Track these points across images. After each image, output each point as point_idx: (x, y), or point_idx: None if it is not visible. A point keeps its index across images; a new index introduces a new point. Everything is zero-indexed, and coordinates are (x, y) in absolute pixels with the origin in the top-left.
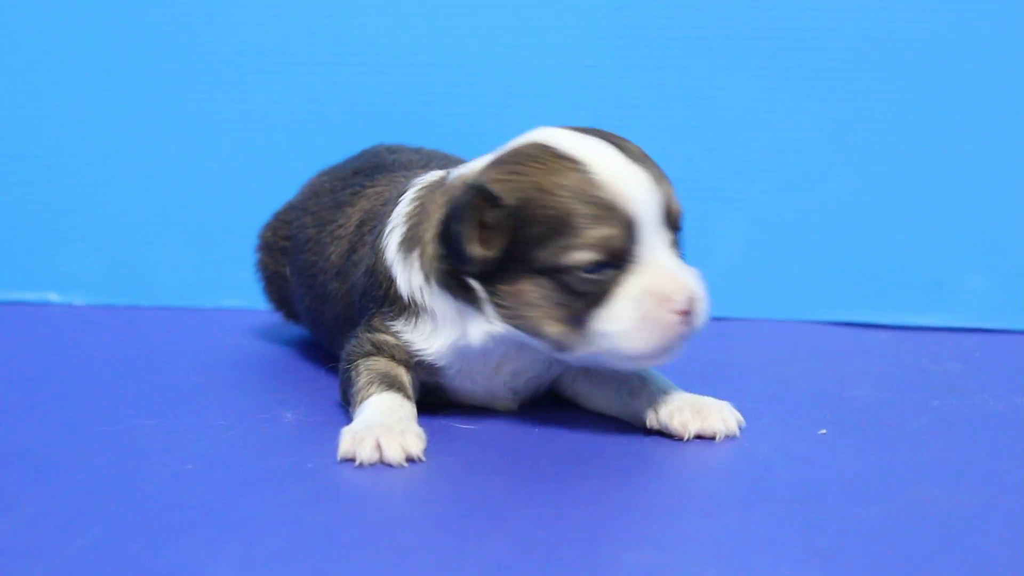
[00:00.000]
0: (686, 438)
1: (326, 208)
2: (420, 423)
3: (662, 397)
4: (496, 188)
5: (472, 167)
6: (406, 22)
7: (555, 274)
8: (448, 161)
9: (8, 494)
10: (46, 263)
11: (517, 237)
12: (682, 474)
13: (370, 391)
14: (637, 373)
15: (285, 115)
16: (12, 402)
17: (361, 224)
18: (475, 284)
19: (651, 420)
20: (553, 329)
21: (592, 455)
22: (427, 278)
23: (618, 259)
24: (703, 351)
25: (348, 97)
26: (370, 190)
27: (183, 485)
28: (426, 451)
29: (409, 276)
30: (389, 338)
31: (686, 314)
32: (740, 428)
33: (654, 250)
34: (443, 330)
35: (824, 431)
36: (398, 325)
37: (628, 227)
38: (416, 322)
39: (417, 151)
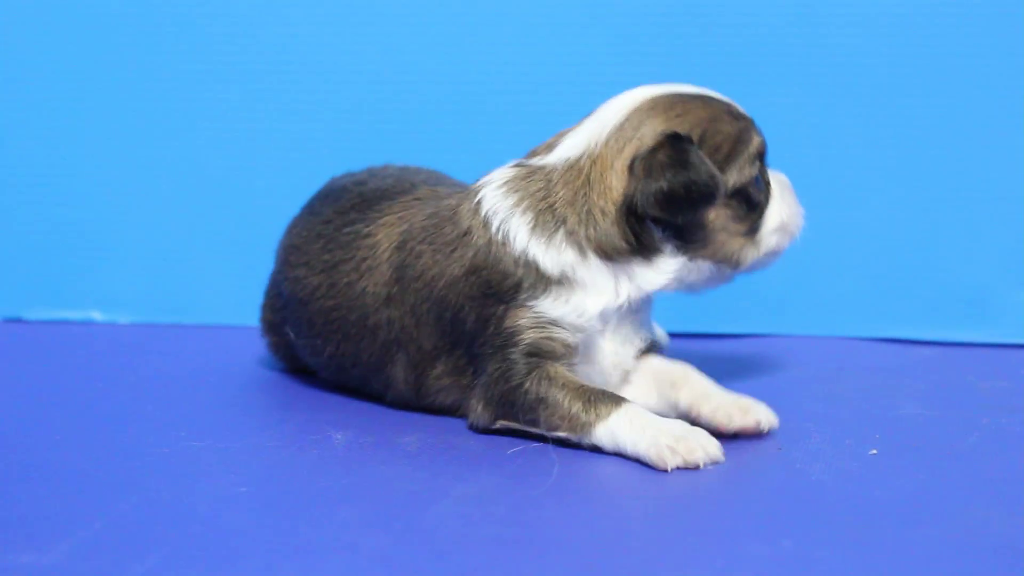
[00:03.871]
0: (729, 428)
1: (326, 251)
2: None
3: (704, 392)
4: (680, 130)
5: (559, 153)
6: (437, 32)
7: (737, 193)
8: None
9: (65, 519)
10: (89, 282)
11: None
12: (736, 496)
13: (604, 409)
14: (680, 368)
15: (330, 138)
16: (60, 423)
17: (403, 244)
18: (656, 232)
19: (694, 414)
20: (737, 245)
21: (644, 477)
22: (582, 252)
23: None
24: (747, 369)
25: (388, 117)
26: (390, 216)
27: (238, 508)
28: (475, 474)
29: (557, 255)
30: (536, 332)
31: None
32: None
33: None
34: (594, 297)
35: (875, 451)
36: (545, 304)
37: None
38: (570, 297)
39: (376, 174)
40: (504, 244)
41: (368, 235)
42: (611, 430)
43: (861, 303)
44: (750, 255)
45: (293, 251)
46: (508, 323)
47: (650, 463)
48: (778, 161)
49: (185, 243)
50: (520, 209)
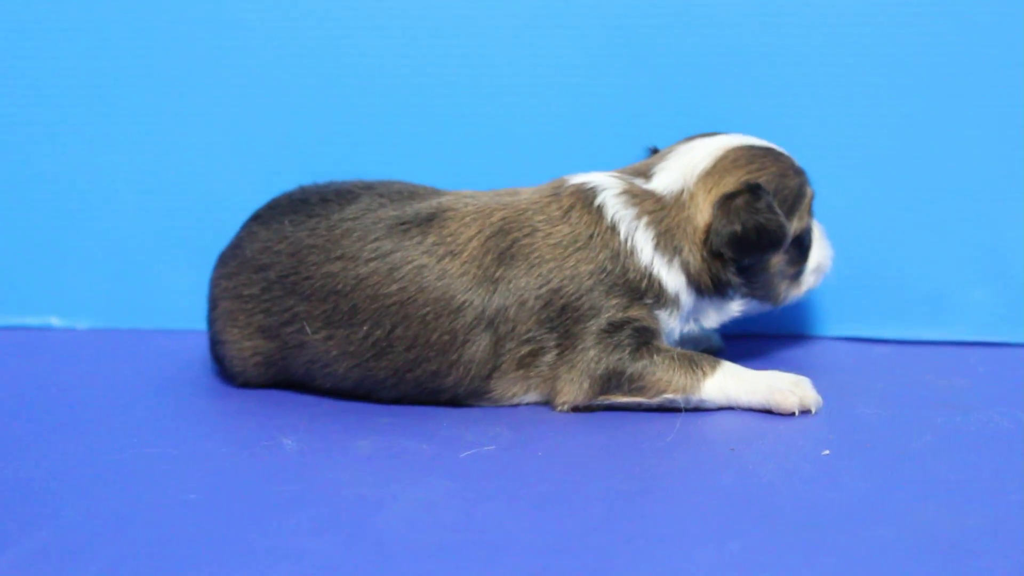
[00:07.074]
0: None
1: (370, 243)
2: (418, 450)
3: None
4: (763, 184)
5: (672, 176)
6: (414, 41)
7: (794, 240)
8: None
9: (11, 527)
10: (47, 287)
11: None
12: (686, 499)
13: (709, 367)
14: None
15: (289, 139)
16: (14, 430)
17: (503, 232)
18: (734, 277)
19: None
20: (785, 285)
21: (594, 479)
22: (689, 281)
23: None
24: None
25: (347, 122)
26: (450, 201)
27: (186, 515)
28: (427, 479)
29: (674, 277)
30: (653, 323)
31: None
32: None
33: None
34: (682, 324)
35: (827, 452)
36: (663, 315)
37: None
38: (677, 314)
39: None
40: (632, 255)
41: (432, 226)
42: (720, 384)
43: (819, 303)
44: (792, 293)
45: (312, 251)
46: (629, 313)
47: (772, 408)
48: None
49: (143, 248)
50: (643, 223)
